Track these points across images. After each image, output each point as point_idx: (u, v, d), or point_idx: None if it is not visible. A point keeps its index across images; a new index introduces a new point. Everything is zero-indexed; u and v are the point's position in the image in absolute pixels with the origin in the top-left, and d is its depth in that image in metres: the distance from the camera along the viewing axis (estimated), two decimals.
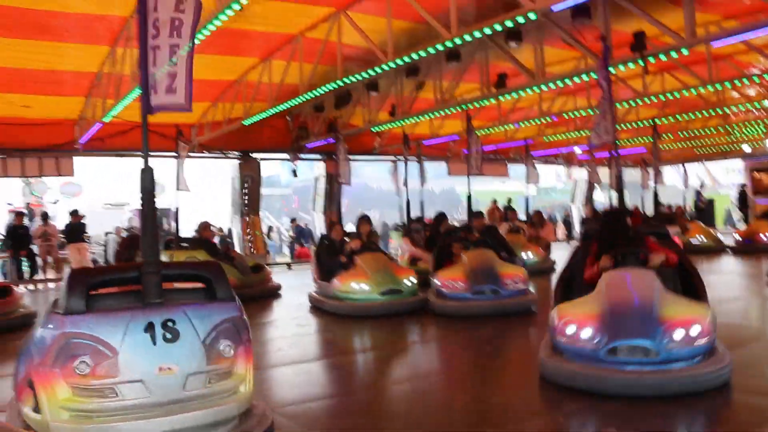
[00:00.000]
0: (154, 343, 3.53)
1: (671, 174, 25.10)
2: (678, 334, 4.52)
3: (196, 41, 8.65)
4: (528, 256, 12.30)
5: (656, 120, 16.67)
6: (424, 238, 12.24)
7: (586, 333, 4.77)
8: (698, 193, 25.15)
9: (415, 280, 9.22)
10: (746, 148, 25.10)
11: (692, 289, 5.39)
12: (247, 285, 11.45)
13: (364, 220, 10.55)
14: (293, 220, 26.21)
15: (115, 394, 3.40)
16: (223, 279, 4.04)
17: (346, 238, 10.19)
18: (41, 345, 3.53)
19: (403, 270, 9.48)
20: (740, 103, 16.18)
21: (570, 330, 4.88)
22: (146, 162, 4.03)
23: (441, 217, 12.18)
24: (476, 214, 10.75)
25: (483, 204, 24.09)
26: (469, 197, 10.93)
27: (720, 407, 4.42)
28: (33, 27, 9.93)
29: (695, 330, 4.53)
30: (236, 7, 7.50)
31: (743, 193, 23.86)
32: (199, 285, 4.06)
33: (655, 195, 16.51)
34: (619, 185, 7.21)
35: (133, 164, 20.02)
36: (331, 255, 9.85)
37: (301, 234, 24.36)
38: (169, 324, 3.59)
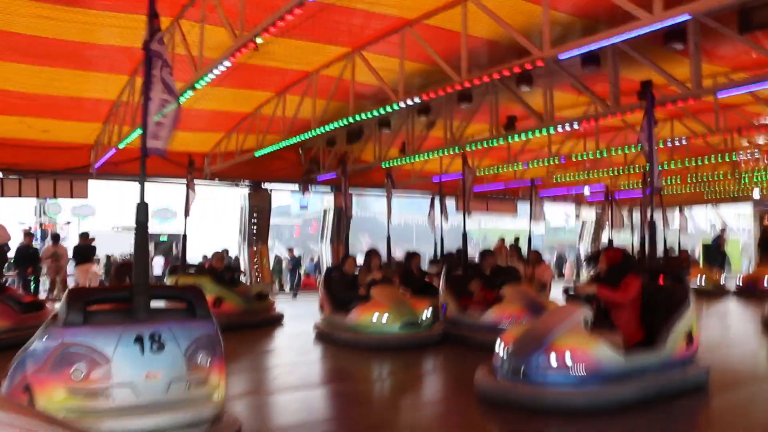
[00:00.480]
0: (143, 353, 4.03)
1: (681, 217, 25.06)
2: (553, 361, 5.27)
3: (213, 76, 8.97)
4: None
5: (664, 165, 16.77)
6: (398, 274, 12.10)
7: (501, 350, 5.71)
8: (719, 237, 24.88)
9: (430, 313, 9.31)
10: (756, 194, 25.13)
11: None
12: (250, 312, 11.58)
13: (373, 253, 10.60)
14: (290, 250, 26.28)
15: (107, 396, 3.89)
16: (202, 300, 4.56)
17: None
18: (41, 353, 3.96)
19: (419, 303, 9.53)
20: (749, 150, 16.30)
21: (497, 347, 5.79)
22: (142, 197, 4.56)
23: (411, 254, 12.09)
24: (488, 253, 10.82)
25: (492, 242, 24.13)
26: (464, 235, 11.02)
27: None
28: (61, 56, 10.21)
29: (565, 359, 5.25)
30: (251, 46, 7.71)
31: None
32: (182, 305, 4.54)
33: (643, 238, 16.41)
34: (651, 229, 7.32)
35: (145, 190, 20.30)
36: (344, 287, 9.93)
37: (297, 264, 24.42)
38: (156, 337, 4.08)
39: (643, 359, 5.56)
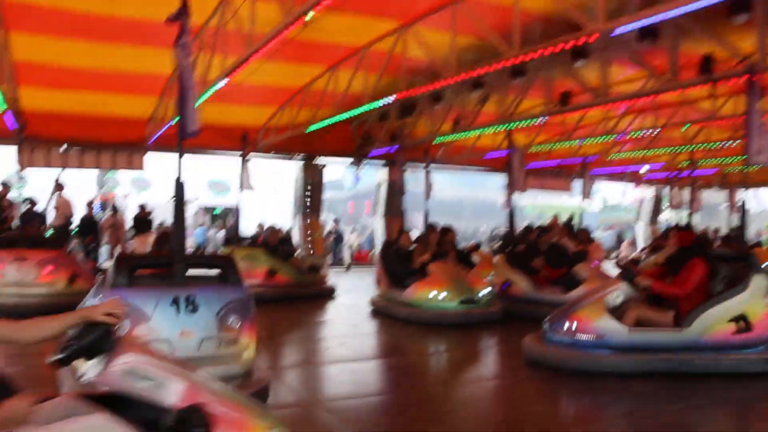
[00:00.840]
0: (178, 313, 4.56)
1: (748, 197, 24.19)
2: (565, 327, 6.24)
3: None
4: None
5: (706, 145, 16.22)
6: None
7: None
8: None
9: (489, 291, 9.34)
10: None
11: None
12: (303, 285, 11.75)
13: (431, 228, 10.57)
14: (336, 221, 26.26)
15: None
16: (234, 268, 5.05)
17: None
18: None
19: (477, 280, 9.55)
20: None
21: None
22: (179, 177, 4.95)
23: (445, 230, 11.62)
24: (545, 230, 10.77)
25: (547, 219, 23.77)
26: (511, 213, 10.93)
27: None
28: (116, 32, 10.43)
29: (574, 326, 6.18)
30: (301, 21, 7.70)
31: None
32: (217, 271, 5.11)
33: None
34: (742, 210, 7.19)
35: (201, 162, 20.68)
36: (400, 262, 9.94)
37: (339, 236, 24.30)
38: (190, 299, 4.59)
39: (651, 337, 5.99)
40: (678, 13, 7.50)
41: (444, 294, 8.93)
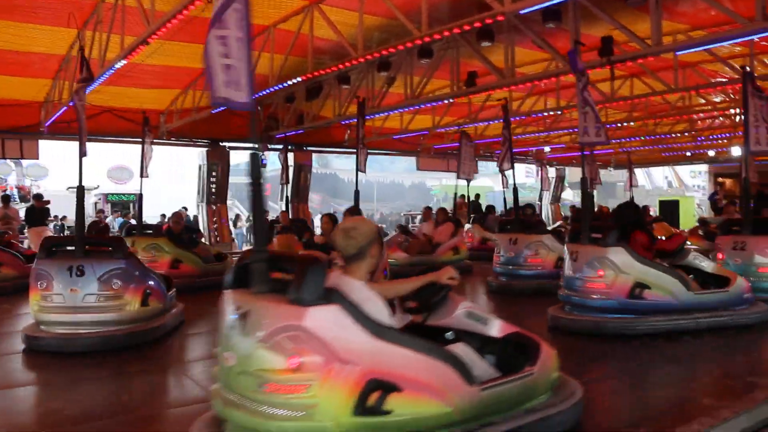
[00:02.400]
0: (71, 276, 6.45)
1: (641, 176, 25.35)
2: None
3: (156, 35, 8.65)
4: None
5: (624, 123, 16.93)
6: None
7: None
8: (715, 194, 25.22)
9: None
10: (711, 153, 25.61)
11: None
12: (209, 273, 11.37)
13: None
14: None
15: (51, 299, 6.42)
16: (121, 246, 6.98)
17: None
18: (30, 275, 6.71)
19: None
20: (706, 108, 16.57)
21: None
22: (81, 184, 6.57)
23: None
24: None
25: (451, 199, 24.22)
26: (515, 188, 10.98)
27: None
28: (4, 7, 9.75)
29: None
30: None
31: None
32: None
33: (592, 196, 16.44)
34: (583, 186, 7.37)
35: (99, 148, 19.77)
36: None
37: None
38: (80, 267, 6.47)
39: None
40: None
41: None
